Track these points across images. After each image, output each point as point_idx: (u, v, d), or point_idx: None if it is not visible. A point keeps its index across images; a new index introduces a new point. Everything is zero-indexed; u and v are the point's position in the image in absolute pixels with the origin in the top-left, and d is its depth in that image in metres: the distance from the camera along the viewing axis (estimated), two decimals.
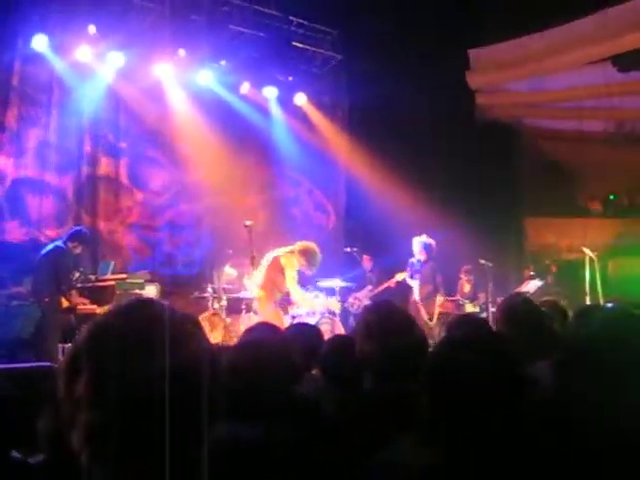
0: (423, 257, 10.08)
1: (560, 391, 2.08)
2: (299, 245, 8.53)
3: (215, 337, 9.05)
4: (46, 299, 8.20)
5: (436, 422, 1.66)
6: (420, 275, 10.15)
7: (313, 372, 3.40)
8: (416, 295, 10.15)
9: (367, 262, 11.39)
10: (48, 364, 5.26)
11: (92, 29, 9.76)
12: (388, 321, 2.59)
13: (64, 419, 1.24)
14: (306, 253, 8.45)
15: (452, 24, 11.35)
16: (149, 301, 1.36)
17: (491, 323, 9.96)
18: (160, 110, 11.24)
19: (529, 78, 12.41)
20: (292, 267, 8.37)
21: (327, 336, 3.96)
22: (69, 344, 7.60)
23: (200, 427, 1.21)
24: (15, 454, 2.41)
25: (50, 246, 8.47)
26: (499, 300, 11.17)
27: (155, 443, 1.17)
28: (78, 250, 8.47)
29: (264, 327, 3.00)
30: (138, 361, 1.19)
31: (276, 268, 8.43)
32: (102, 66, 10.28)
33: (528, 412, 1.70)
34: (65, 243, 8.35)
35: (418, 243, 10.07)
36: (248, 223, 8.78)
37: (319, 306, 8.97)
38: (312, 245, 8.55)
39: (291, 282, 8.36)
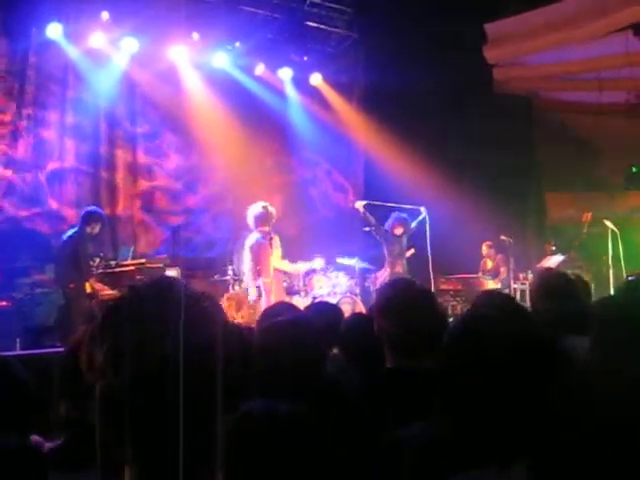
0: (400, 231, 10.07)
1: (599, 364, 2.04)
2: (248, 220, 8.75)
3: (242, 316, 9.08)
4: (71, 285, 8.22)
5: (453, 396, 1.64)
6: (400, 247, 10.16)
7: (334, 350, 3.39)
8: (399, 268, 10.09)
9: None
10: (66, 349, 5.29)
11: (105, 15, 9.75)
12: (406, 297, 2.57)
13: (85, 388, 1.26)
14: (256, 221, 8.66)
15: None
16: (168, 279, 1.37)
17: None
18: (176, 94, 11.23)
19: (547, 50, 12.22)
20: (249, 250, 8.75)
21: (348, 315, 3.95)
22: None
23: (214, 404, 1.21)
24: (35, 438, 2.44)
25: (69, 232, 8.51)
26: (521, 276, 11.17)
27: (168, 419, 1.17)
28: (96, 230, 8.45)
29: (283, 307, 2.99)
30: (154, 336, 1.20)
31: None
32: (116, 52, 10.29)
33: (557, 388, 1.67)
34: (81, 227, 8.37)
35: (393, 218, 10.07)
36: (264, 205, 8.85)
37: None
38: (252, 208, 8.73)
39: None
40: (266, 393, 1.90)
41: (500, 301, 3.18)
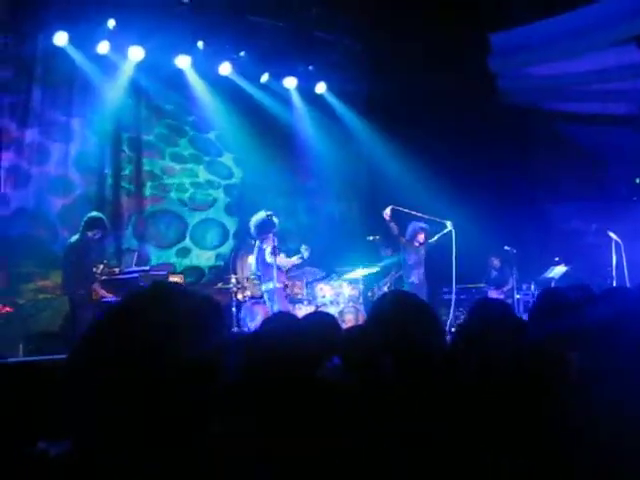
0: (422, 238, 10.02)
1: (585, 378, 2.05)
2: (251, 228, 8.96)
3: None
4: (81, 292, 8.24)
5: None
6: (417, 257, 10.07)
7: (334, 360, 3.40)
8: (415, 278, 10.02)
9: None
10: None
11: (112, 23, 9.78)
12: (396, 309, 2.58)
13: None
14: (257, 230, 8.86)
15: (473, 8, 11.24)
16: (168, 284, 1.38)
17: (516, 309, 9.98)
18: (181, 102, 11.30)
19: (551, 61, 12.24)
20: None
21: (351, 324, 3.96)
22: None
23: (204, 411, 1.22)
24: (40, 444, 2.43)
25: (72, 238, 8.55)
26: (524, 286, 11.17)
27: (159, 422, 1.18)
28: (98, 235, 8.51)
29: (282, 317, 3.01)
30: (155, 341, 1.21)
31: None
32: (123, 60, 10.34)
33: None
34: (83, 233, 8.41)
35: (414, 228, 10.01)
36: (268, 213, 8.89)
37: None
38: (255, 217, 8.93)
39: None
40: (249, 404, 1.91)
41: (491, 311, 3.18)
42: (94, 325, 1.31)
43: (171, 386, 1.19)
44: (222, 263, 11.47)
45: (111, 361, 1.23)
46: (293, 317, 3.06)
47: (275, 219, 8.84)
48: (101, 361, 1.24)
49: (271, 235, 8.78)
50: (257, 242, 9.01)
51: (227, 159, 11.86)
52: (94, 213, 8.80)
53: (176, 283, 1.34)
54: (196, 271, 11.28)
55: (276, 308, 8.64)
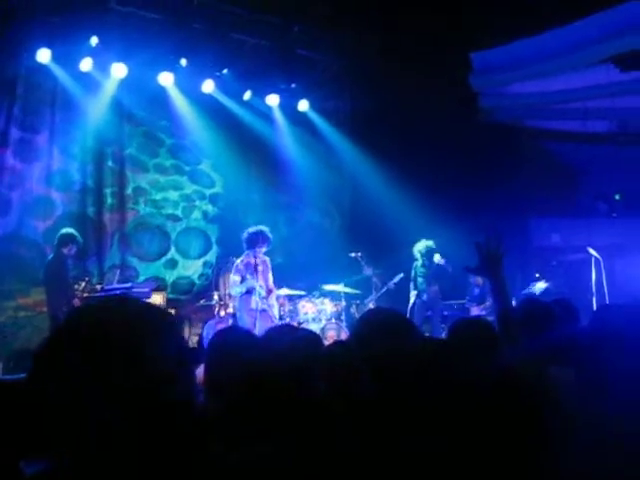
0: (427, 260, 10.34)
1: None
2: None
3: None
4: (63, 309, 8.22)
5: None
6: (431, 276, 10.38)
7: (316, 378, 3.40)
8: (424, 297, 10.27)
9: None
10: None
11: (95, 40, 9.80)
12: (376, 326, 2.60)
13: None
14: (245, 244, 8.83)
15: (454, 27, 11.34)
16: (122, 298, 1.39)
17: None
18: (164, 119, 11.31)
19: (532, 80, 12.37)
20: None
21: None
22: None
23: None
24: (21, 464, 2.41)
25: (49, 258, 8.57)
26: None
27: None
28: (73, 251, 8.56)
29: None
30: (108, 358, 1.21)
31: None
32: (105, 77, 10.35)
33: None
34: (58, 250, 8.43)
35: (421, 248, 10.24)
36: (254, 229, 8.92)
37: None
38: (245, 231, 8.90)
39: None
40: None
41: (474, 331, 3.21)
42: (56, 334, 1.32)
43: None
44: (210, 271, 11.47)
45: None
46: (292, 328, 3.07)
47: (264, 234, 8.86)
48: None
49: (258, 250, 8.81)
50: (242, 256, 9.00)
51: (206, 166, 11.88)
52: (65, 230, 8.79)
53: (127, 297, 1.34)
54: (186, 281, 11.29)
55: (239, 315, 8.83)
